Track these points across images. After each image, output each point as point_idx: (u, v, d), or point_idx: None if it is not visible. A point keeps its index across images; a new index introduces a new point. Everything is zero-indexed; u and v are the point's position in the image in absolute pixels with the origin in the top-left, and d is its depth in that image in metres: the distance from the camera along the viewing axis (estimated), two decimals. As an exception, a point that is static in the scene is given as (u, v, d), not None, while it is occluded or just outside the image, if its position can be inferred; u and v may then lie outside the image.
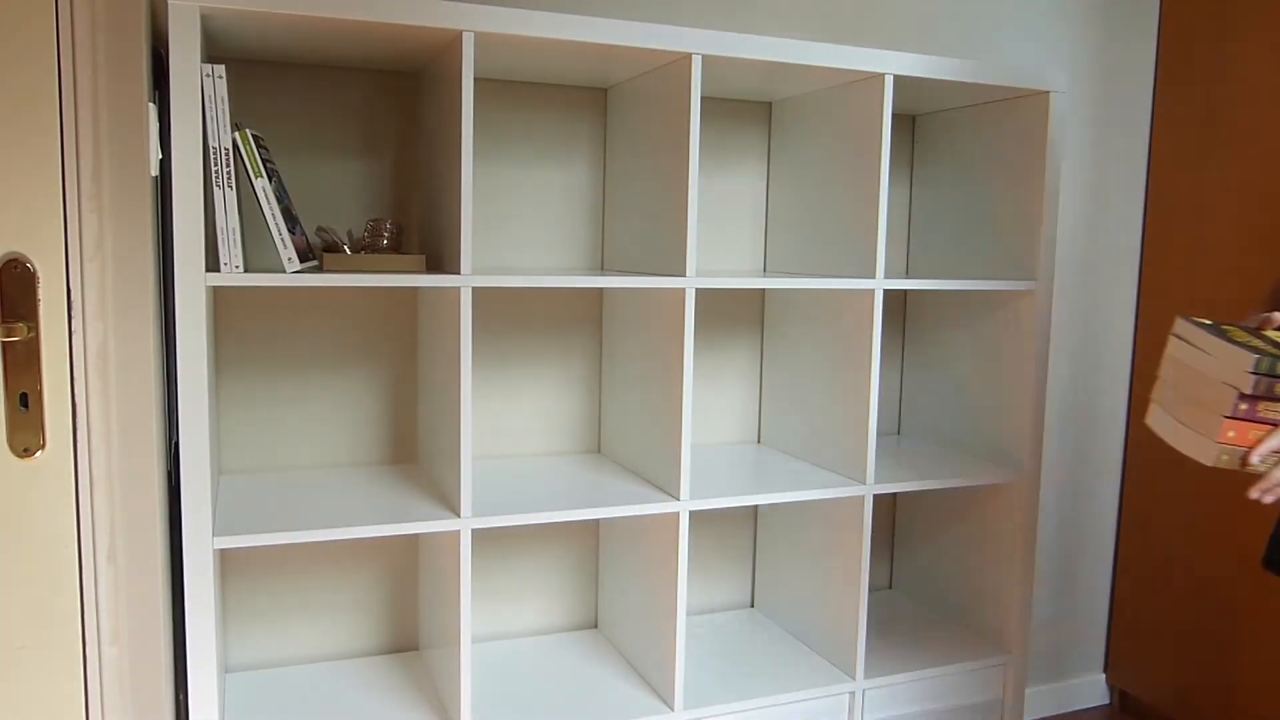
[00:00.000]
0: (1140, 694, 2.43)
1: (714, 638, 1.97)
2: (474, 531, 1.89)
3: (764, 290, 2.07)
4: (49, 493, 1.23)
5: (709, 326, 2.05)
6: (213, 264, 1.36)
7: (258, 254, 1.71)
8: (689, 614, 2.09)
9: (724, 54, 1.55)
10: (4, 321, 1.20)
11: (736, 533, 2.12)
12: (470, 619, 1.53)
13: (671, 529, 1.65)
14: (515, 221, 1.88)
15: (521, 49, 1.53)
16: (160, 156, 1.39)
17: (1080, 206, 2.36)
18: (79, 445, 1.24)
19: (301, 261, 1.40)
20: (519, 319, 1.90)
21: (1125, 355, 2.46)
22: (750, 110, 2.03)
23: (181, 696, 1.49)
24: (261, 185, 1.36)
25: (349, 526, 1.43)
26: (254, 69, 1.69)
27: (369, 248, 1.56)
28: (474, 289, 1.86)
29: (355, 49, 1.57)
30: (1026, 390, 1.89)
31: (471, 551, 1.64)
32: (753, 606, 2.14)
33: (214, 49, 1.58)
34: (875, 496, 2.24)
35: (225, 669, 1.74)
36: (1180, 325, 1.19)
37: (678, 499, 1.63)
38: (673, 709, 1.66)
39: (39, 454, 1.23)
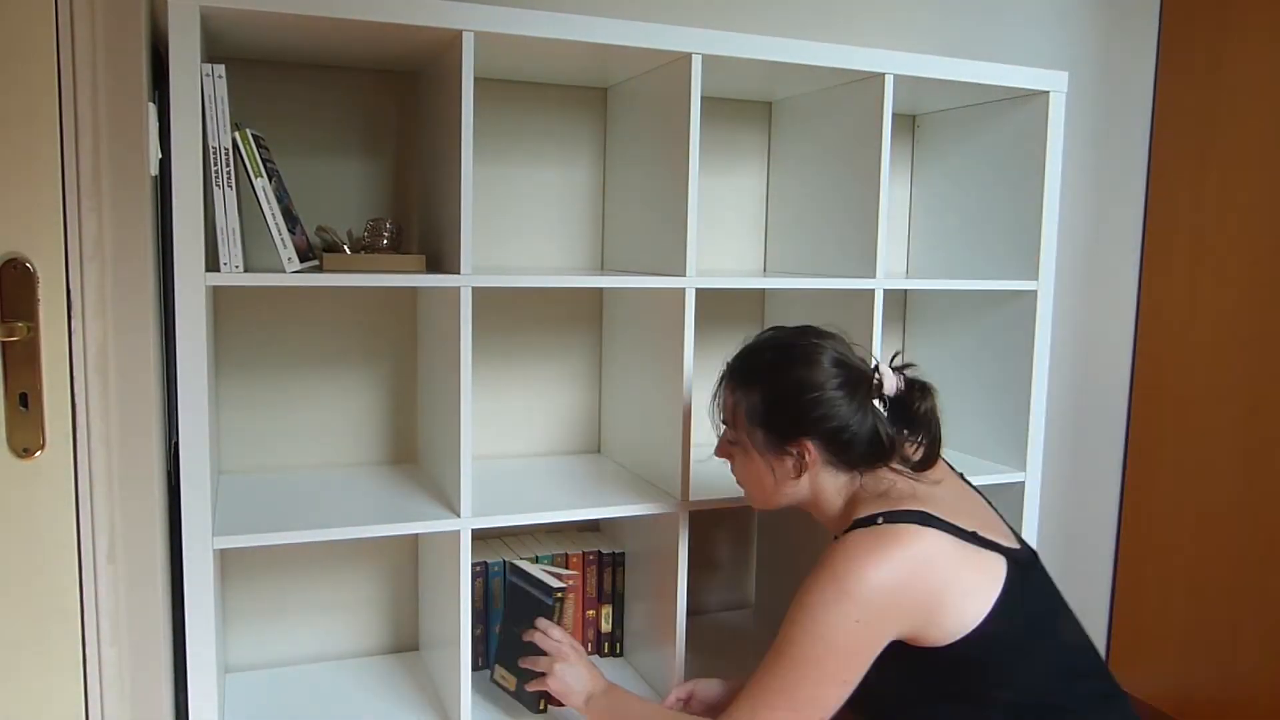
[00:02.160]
0: (1140, 694, 2.43)
1: (714, 638, 1.97)
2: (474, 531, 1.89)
3: (764, 290, 2.07)
4: (49, 493, 1.23)
5: (709, 326, 2.05)
6: (213, 264, 1.36)
7: (258, 254, 1.71)
8: (689, 614, 2.09)
9: (724, 54, 1.55)
10: (4, 321, 1.20)
11: (736, 533, 2.12)
12: (470, 618, 1.53)
13: (672, 529, 1.65)
14: (515, 221, 1.88)
15: (521, 49, 1.53)
16: (160, 156, 1.39)
17: (1080, 206, 2.36)
18: (79, 445, 1.24)
19: (301, 261, 1.40)
20: (519, 319, 1.90)
21: (1125, 355, 2.46)
22: (750, 110, 2.03)
23: (181, 696, 1.49)
24: (261, 185, 1.36)
25: (349, 526, 1.43)
26: (254, 69, 1.69)
27: (369, 248, 1.56)
28: (474, 289, 1.86)
29: (355, 49, 1.57)
30: (1026, 390, 1.89)
31: (471, 550, 1.64)
32: (752, 606, 2.14)
33: (214, 49, 1.58)
34: (875, 496, 2.24)
35: (225, 669, 1.74)
36: None
37: (678, 499, 1.63)
38: (673, 709, 1.66)
39: (39, 454, 1.23)
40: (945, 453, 2.02)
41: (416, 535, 1.87)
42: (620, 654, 1.87)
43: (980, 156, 1.99)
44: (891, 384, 1.37)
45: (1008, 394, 1.93)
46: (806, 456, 1.35)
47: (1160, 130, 2.37)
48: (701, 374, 2.05)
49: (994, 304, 1.96)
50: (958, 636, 1.22)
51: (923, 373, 1.42)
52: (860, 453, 1.34)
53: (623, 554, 1.84)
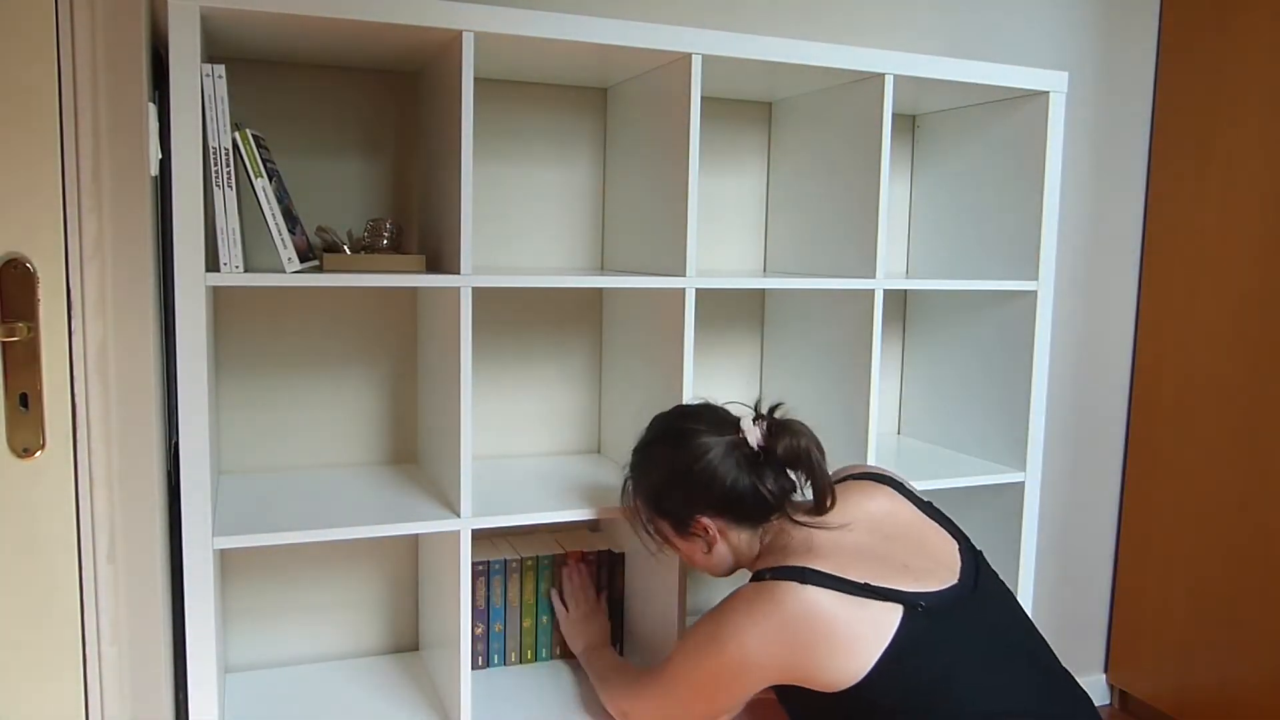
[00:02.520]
0: (1140, 694, 2.43)
1: (714, 638, 1.97)
2: (474, 531, 1.89)
3: (764, 290, 2.07)
4: (49, 493, 1.23)
5: (709, 326, 2.05)
6: (213, 264, 1.36)
7: (258, 254, 1.71)
8: (689, 614, 2.09)
9: (724, 54, 1.55)
10: (4, 321, 1.20)
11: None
12: (470, 619, 1.53)
13: (671, 529, 1.65)
14: (515, 221, 1.88)
15: (521, 49, 1.53)
16: (160, 156, 1.39)
17: (1080, 206, 2.36)
18: (79, 445, 1.24)
19: (301, 261, 1.40)
20: (519, 319, 1.90)
21: (1125, 355, 2.46)
22: (750, 110, 2.03)
23: (181, 696, 1.49)
24: (261, 185, 1.36)
25: (349, 526, 1.43)
26: (254, 69, 1.69)
27: (369, 248, 1.56)
28: (474, 289, 1.86)
29: (355, 49, 1.57)
30: (1026, 390, 1.89)
31: (471, 551, 1.64)
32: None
33: (214, 49, 1.58)
34: (875, 496, 2.24)
35: (225, 669, 1.74)
36: None
37: (678, 499, 1.63)
38: (673, 709, 1.66)
39: (39, 454, 1.23)
40: (945, 452, 2.03)
41: (416, 535, 1.87)
42: (619, 654, 1.87)
43: (980, 156, 1.99)
44: (754, 436, 1.41)
45: (1008, 394, 1.93)
46: (709, 530, 1.42)
47: (1160, 130, 2.37)
48: (701, 374, 2.05)
49: (994, 304, 1.96)
50: (844, 686, 1.23)
51: (788, 411, 1.46)
52: (750, 510, 1.40)
53: (622, 554, 1.84)
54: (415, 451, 1.87)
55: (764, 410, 1.45)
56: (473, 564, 1.74)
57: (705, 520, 1.41)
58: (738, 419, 1.44)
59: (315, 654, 1.83)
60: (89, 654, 1.27)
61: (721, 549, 1.44)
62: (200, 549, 1.35)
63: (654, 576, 1.73)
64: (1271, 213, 2.09)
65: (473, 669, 1.77)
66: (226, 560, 1.75)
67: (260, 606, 1.79)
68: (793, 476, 1.43)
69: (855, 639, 1.23)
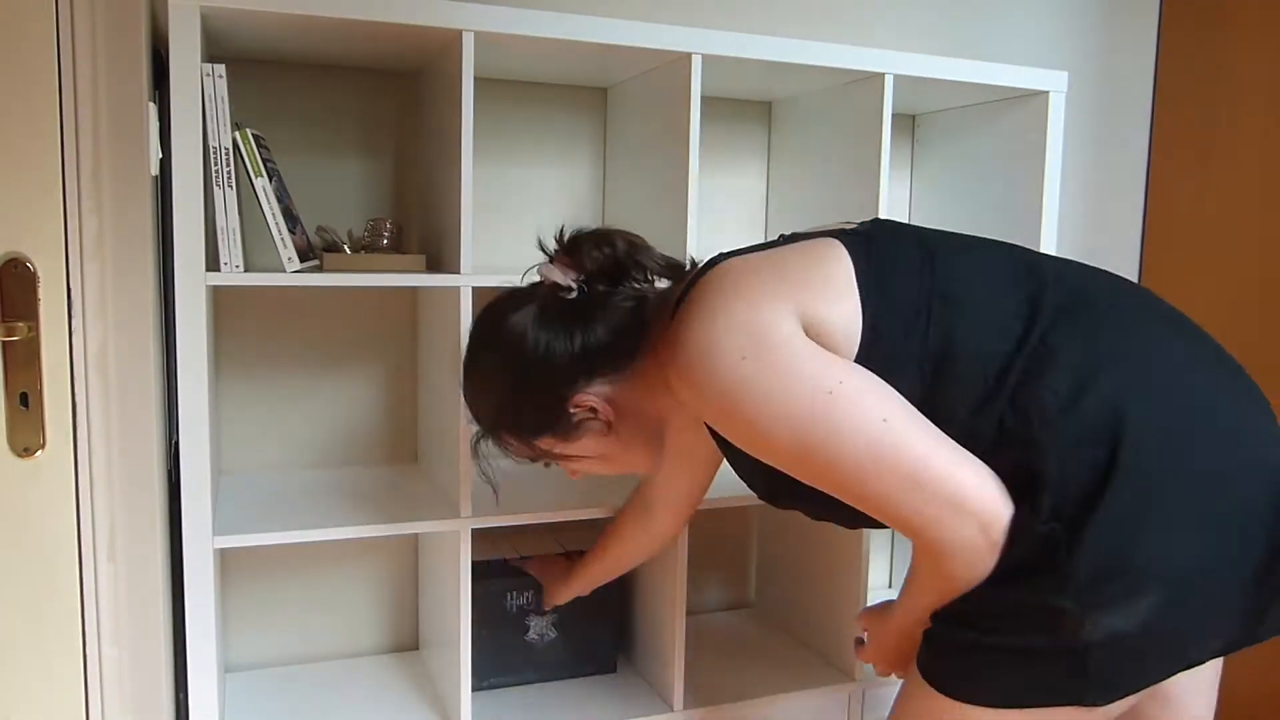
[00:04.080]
0: (1140, 694, 2.43)
1: (714, 637, 1.97)
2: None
3: (764, 290, 2.07)
4: (49, 492, 1.23)
5: (709, 326, 2.04)
6: (213, 264, 1.36)
7: (258, 254, 1.71)
8: (688, 614, 2.09)
9: (724, 53, 1.55)
10: (4, 321, 1.20)
11: (736, 533, 2.12)
12: (470, 619, 1.53)
13: (671, 529, 1.65)
14: (515, 221, 1.88)
15: (521, 49, 1.53)
16: (160, 156, 1.39)
17: (1080, 206, 2.36)
18: (79, 445, 1.24)
19: (301, 261, 1.40)
20: (519, 319, 1.90)
21: (1125, 355, 2.45)
22: (750, 110, 2.03)
23: (181, 696, 1.49)
24: (261, 185, 1.36)
25: (349, 526, 1.43)
26: (254, 69, 1.69)
27: (369, 247, 1.56)
28: (474, 289, 1.85)
29: (355, 49, 1.57)
30: (1026, 390, 1.89)
31: (471, 551, 1.64)
32: (753, 606, 2.14)
33: (214, 48, 1.58)
34: (875, 496, 2.24)
35: (225, 669, 1.74)
36: None
37: (678, 499, 1.62)
38: (673, 709, 1.66)
39: (39, 453, 1.23)
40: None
41: (416, 535, 1.87)
42: (615, 654, 1.87)
43: (980, 156, 1.99)
44: (560, 275, 1.15)
45: (1008, 394, 1.93)
46: (596, 407, 1.15)
47: (1160, 130, 2.37)
48: (701, 374, 2.05)
49: (994, 304, 1.96)
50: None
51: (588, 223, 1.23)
52: (614, 351, 1.15)
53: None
54: (415, 451, 1.87)
55: (557, 244, 1.20)
56: (473, 564, 1.74)
57: (581, 398, 1.14)
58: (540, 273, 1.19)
59: (315, 654, 1.83)
60: (89, 654, 1.27)
61: (627, 420, 1.17)
62: (200, 549, 1.35)
63: (653, 576, 1.73)
64: (1271, 212, 2.09)
65: (473, 669, 1.77)
66: (226, 560, 1.75)
67: (260, 606, 1.79)
68: (635, 283, 1.18)
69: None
